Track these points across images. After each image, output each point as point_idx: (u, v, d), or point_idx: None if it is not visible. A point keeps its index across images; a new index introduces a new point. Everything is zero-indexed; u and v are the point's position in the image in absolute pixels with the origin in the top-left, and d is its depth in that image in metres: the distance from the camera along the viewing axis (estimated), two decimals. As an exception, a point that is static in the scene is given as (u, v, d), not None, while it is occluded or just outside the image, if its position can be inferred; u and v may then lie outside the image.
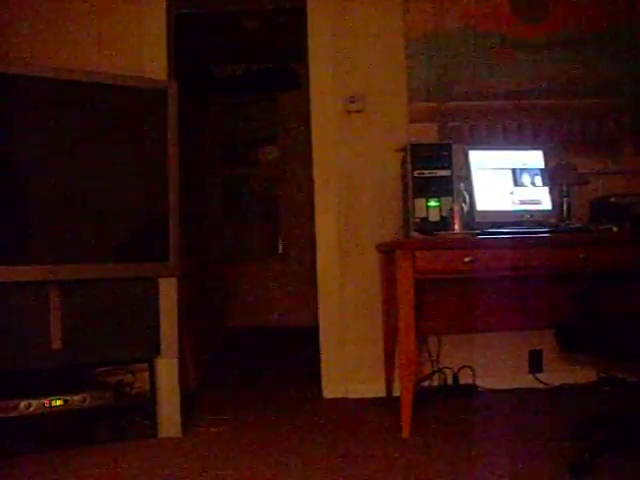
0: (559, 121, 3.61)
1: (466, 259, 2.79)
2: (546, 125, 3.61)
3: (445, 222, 3.08)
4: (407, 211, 3.22)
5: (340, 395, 3.52)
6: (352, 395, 3.51)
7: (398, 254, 2.82)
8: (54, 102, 2.72)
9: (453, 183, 3.14)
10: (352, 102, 3.57)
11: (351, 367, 3.55)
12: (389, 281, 3.26)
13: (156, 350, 2.83)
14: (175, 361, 2.86)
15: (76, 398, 2.68)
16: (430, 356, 3.51)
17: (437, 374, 3.51)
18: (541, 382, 3.52)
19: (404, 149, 3.24)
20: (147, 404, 2.86)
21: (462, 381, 3.50)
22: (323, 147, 3.60)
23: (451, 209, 3.02)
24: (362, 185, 3.58)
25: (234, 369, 4.57)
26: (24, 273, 2.58)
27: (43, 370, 2.69)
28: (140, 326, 2.82)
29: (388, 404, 3.29)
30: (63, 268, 2.65)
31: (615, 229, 2.93)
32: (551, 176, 3.32)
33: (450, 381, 3.50)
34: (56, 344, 2.65)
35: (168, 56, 3.54)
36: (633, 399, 3.20)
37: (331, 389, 3.54)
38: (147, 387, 2.92)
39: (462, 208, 3.04)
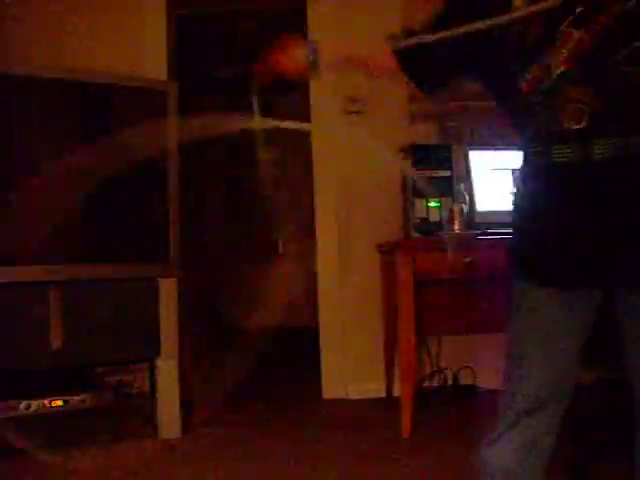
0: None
1: (466, 259, 2.79)
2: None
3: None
4: (407, 211, 3.21)
5: (340, 395, 3.52)
6: (352, 395, 3.51)
7: (398, 254, 2.82)
8: (54, 102, 2.72)
9: (453, 183, 3.14)
10: (352, 102, 3.57)
11: (351, 367, 3.54)
12: (389, 281, 3.26)
13: (156, 350, 2.83)
14: (175, 361, 2.86)
15: (76, 398, 2.68)
16: (430, 356, 3.51)
17: (437, 374, 3.51)
18: (541, 382, 3.51)
19: (404, 149, 3.24)
20: (147, 404, 2.86)
21: (462, 381, 3.50)
22: (323, 147, 3.60)
23: (451, 210, 3.02)
24: (362, 185, 3.58)
25: (234, 369, 4.56)
26: (24, 273, 2.58)
27: (43, 370, 2.69)
28: (140, 326, 2.82)
29: (388, 404, 3.29)
30: (63, 268, 2.65)
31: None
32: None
33: (450, 381, 3.50)
34: (56, 344, 2.65)
35: (168, 56, 3.54)
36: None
37: (331, 389, 3.54)
38: (147, 387, 2.92)
39: (462, 208, 3.04)
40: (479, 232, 2.92)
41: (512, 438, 1.35)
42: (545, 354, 1.31)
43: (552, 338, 1.30)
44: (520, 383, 1.34)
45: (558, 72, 1.18)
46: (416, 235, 3.04)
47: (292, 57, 1.47)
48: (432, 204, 3.11)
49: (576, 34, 1.17)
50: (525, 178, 1.36)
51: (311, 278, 3.78)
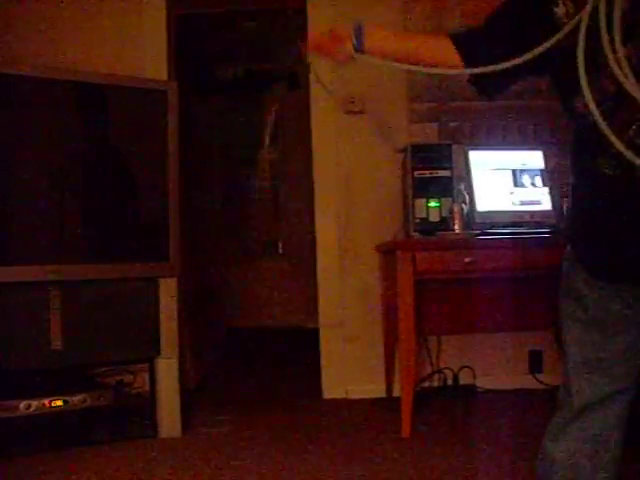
0: (559, 121, 3.61)
1: (466, 260, 2.79)
2: (546, 125, 3.60)
3: (445, 222, 3.08)
4: (407, 211, 3.21)
5: (340, 395, 3.51)
6: (352, 395, 3.51)
7: (398, 255, 2.82)
8: (54, 102, 2.72)
9: (453, 183, 3.14)
10: (352, 102, 3.57)
11: (351, 367, 3.54)
12: (389, 281, 3.26)
13: (156, 350, 2.83)
14: (175, 361, 2.86)
15: (76, 398, 2.68)
16: (430, 356, 3.51)
17: (437, 374, 3.51)
18: (541, 382, 3.52)
19: (404, 149, 3.24)
20: (147, 404, 2.86)
21: (462, 381, 3.50)
22: (323, 147, 3.60)
23: (451, 210, 3.02)
24: (362, 185, 3.58)
25: (234, 369, 4.57)
26: (24, 273, 2.58)
27: (43, 370, 2.69)
28: (140, 326, 2.82)
29: (388, 404, 3.29)
30: (63, 268, 2.65)
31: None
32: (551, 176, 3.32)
33: (450, 381, 3.50)
34: (56, 344, 2.65)
35: (168, 56, 3.54)
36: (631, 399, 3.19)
37: (331, 389, 3.54)
38: (147, 387, 2.92)
39: (462, 209, 3.04)
40: (479, 232, 2.92)
41: (578, 433, 1.33)
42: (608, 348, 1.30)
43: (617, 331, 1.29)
44: (582, 377, 1.33)
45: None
46: (416, 235, 3.03)
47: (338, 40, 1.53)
48: (432, 204, 3.11)
49: (622, 51, 1.12)
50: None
51: (311, 278, 3.78)
